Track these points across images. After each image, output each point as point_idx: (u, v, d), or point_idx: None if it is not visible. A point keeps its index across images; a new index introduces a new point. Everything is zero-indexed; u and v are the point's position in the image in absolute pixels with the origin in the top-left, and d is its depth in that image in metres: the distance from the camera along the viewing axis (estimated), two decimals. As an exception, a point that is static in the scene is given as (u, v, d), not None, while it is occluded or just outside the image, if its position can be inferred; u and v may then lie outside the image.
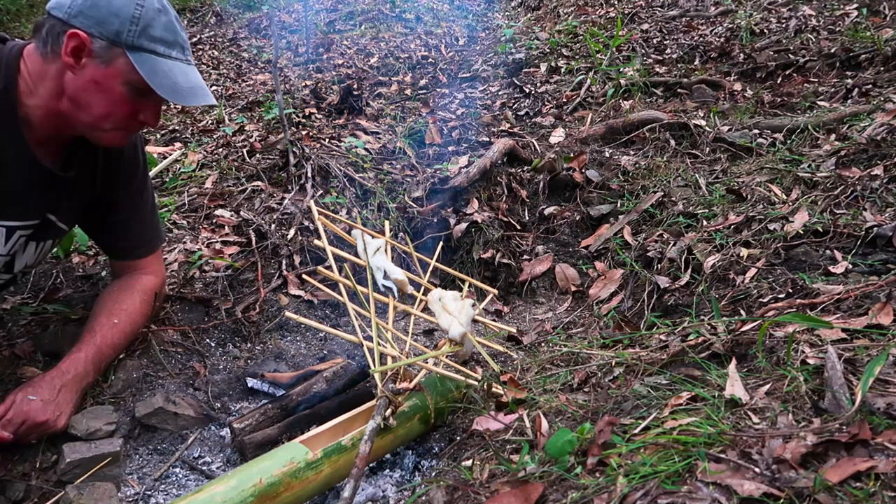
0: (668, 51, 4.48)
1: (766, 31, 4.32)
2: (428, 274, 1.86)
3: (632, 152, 3.05)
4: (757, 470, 0.87)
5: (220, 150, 3.13)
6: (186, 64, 1.44)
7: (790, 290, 1.61)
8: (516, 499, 1.03)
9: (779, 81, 3.69)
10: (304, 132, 3.12)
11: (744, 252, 1.89)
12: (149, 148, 3.21)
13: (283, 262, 2.25)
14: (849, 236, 1.77)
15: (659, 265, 2.14)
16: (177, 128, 3.71)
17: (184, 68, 1.42)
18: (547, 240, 2.68)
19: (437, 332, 2.08)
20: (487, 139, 3.13)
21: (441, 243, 2.22)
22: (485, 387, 1.52)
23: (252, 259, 2.22)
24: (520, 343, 2.07)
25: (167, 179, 2.84)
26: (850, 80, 3.33)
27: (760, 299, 1.65)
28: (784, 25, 4.31)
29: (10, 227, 1.49)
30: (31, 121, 1.41)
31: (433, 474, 1.37)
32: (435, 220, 2.66)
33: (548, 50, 4.77)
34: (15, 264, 1.56)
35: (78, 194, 1.59)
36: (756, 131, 2.96)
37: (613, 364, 1.45)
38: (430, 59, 5.05)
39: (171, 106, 4.21)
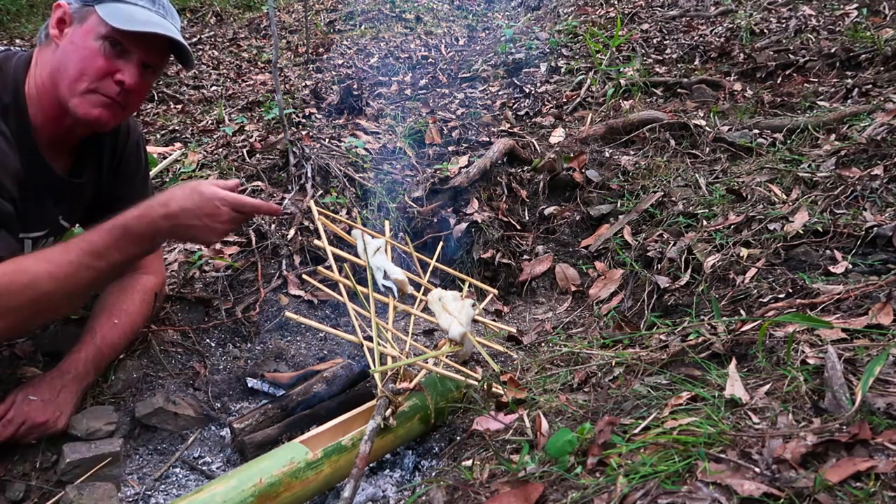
0: (668, 51, 4.48)
1: (766, 31, 4.32)
2: (428, 274, 1.86)
3: (632, 152, 3.05)
4: (757, 470, 0.87)
5: (220, 150, 3.13)
6: (156, 13, 1.41)
7: (790, 290, 1.61)
8: (516, 499, 1.03)
9: (779, 81, 3.68)
10: (304, 132, 3.12)
11: (744, 252, 1.89)
12: (149, 148, 3.20)
13: (283, 262, 2.25)
14: (849, 236, 1.77)
15: (659, 265, 2.14)
16: (177, 128, 3.71)
17: (148, 12, 1.40)
18: (547, 240, 2.68)
19: (437, 332, 2.08)
20: (487, 139, 3.13)
21: (441, 243, 2.22)
22: (485, 387, 1.52)
23: (252, 259, 2.22)
24: (520, 343, 2.07)
25: (167, 179, 2.84)
26: (850, 80, 3.32)
27: (760, 299, 1.65)
28: (784, 25, 4.31)
29: (36, 238, 1.50)
30: (38, 125, 1.41)
31: (433, 474, 1.37)
32: (435, 220, 2.66)
33: (548, 50, 4.77)
34: None
35: (84, 195, 1.60)
36: (756, 131, 2.96)
37: (613, 364, 1.45)
38: (430, 59, 5.05)
39: (171, 106, 4.21)
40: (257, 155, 2.94)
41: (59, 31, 1.38)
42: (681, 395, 1.17)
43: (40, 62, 1.41)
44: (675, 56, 4.36)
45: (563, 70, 4.35)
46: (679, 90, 3.77)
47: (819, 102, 3.19)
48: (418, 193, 2.70)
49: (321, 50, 5.58)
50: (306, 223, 2.41)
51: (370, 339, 1.52)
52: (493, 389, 1.51)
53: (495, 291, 2.11)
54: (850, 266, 1.65)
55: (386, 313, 1.68)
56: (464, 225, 2.62)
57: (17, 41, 5.91)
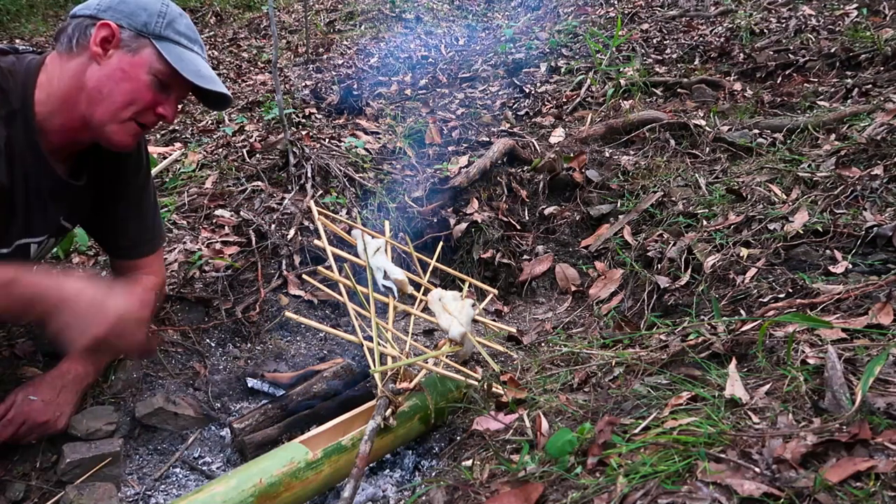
0: (668, 51, 4.48)
1: (766, 31, 4.32)
2: (428, 274, 1.86)
3: (632, 152, 3.05)
4: (757, 470, 0.87)
5: (220, 150, 3.13)
6: (201, 57, 1.50)
7: (790, 290, 1.61)
8: (516, 499, 1.03)
9: (779, 81, 3.68)
10: (304, 132, 3.12)
11: (744, 252, 1.89)
12: (149, 148, 3.21)
13: (283, 262, 2.25)
14: (849, 236, 1.77)
15: (659, 265, 2.14)
16: (177, 128, 3.71)
17: (199, 59, 1.48)
18: (547, 240, 2.68)
19: (437, 332, 2.08)
20: (487, 139, 3.13)
21: (441, 243, 2.22)
22: (485, 387, 1.52)
23: (252, 259, 2.22)
24: (520, 343, 2.07)
25: (167, 179, 2.84)
26: (850, 80, 3.32)
27: (760, 299, 1.65)
28: (784, 25, 4.31)
29: (39, 242, 1.51)
30: (47, 130, 1.41)
31: (433, 474, 1.37)
32: (435, 220, 2.66)
33: (548, 50, 4.77)
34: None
35: (85, 196, 1.60)
36: (756, 131, 2.96)
37: (613, 364, 1.45)
38: (430, 59, 5.05)
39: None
40: (257, 155, 2.94)
41: (104, 51, 1.38)
42: (681, 395, 1.17)
43: (63, 70, 1.39)
44: (675, 56, 4.36)
45: (563, 70, 4.35)
46: (679, 90, 3.77)
47: (819, 102, 3.19)
48: (418, 193, 2.70)
49: (321, 50, 5.59)
50: (306, 223, 2.41)
51: (370, 339, 1.52)
52: (493, 389, 1.51)
53: (495, 291, 2.11)
54: (850, 266, 1.65)
55: (386, 313, 1.68)
56: (464, 225, 2.62)
57: (17, 41, 5.91)
